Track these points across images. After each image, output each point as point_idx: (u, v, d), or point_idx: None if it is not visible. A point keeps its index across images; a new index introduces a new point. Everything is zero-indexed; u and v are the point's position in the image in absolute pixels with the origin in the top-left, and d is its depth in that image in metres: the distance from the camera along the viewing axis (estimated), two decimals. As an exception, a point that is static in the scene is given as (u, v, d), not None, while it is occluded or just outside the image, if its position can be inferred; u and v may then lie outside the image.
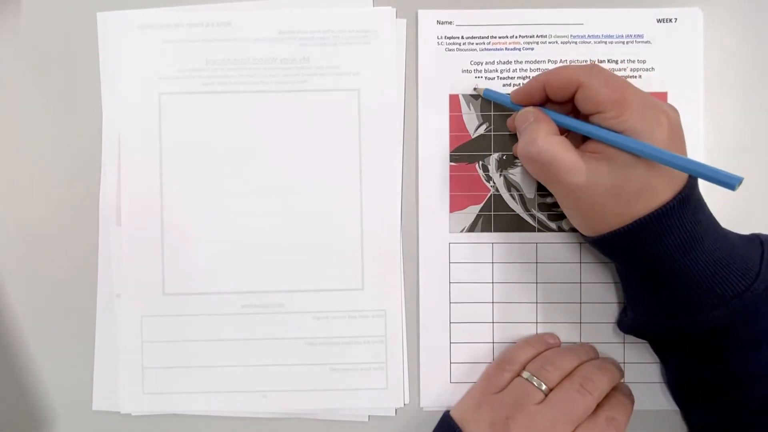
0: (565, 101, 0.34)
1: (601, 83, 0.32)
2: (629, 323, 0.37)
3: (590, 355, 0.37)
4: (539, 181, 0.36)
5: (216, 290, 0.40)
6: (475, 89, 0.39)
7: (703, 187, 0.39)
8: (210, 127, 0.40)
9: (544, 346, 0.38)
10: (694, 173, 0.30)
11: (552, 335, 0.39)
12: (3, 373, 0.40)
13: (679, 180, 0.32)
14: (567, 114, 0.35)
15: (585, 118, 0.33)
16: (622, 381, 0.38)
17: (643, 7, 0.39)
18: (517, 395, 0.35)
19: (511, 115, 0.38)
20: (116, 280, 0.40)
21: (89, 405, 0.40)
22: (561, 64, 0.38)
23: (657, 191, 0.31)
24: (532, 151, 0.33)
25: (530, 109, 0.35)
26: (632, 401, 0.36)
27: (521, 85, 0.37)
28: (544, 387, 0.34)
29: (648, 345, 0.38)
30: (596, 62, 0.39)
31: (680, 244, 0.31)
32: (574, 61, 0.39)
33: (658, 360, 0.39)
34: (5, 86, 0.40)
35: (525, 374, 0.35)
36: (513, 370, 0.36)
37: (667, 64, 0.39)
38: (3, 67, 0.40)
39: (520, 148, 0.35)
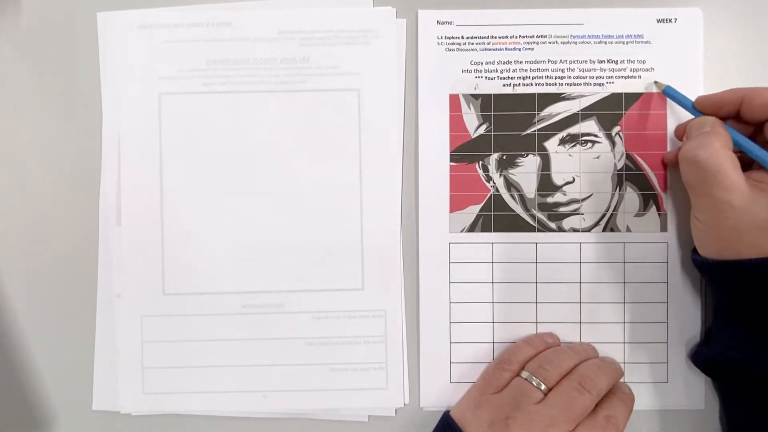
0: (754, 123, 0.34)
1: None
2: (715, 357, 0.36)
3: (589, 354, 0.37)
4: (688, 187, 0.34)
5: (216, 290, 0.40)
6: (656, 83, 0.39)
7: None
8: (210, 127, 0.40)
9: (544, 345, 0.38)
10: None
11: (551, 335, 0.39)
12: (3, 373, 0.40)
13: None
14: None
15: (765, 144, 0.33)
16: (621, 380, 0.38)
17: (643, 7, 0.39)
18: (516, 395, 0.35)
19: (687, 121, 0.37)
20: (116, 280, 0.40)
21: (89, 405, 0.40)
22: (760, 87, 0.34)
23: None
24: (700, 154, 0.32)
25: (712, 118, 0.35)
26: (632, 400, 0.36)
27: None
28: (543, 386, 0.34)
29: (648, 345, 0.39)
30: (596, 62, 0.39)
31: None
32: (573, 62, 0.39)
33: (658, 360, 0.39)
34: (5, 86, 0.40)
35: (524, 374, 0.35)
36: (512, 370, 0.36)
37: (667, 64, 0.39)
38: (3, 67, 0.40)
39: (686, 148, 0.33)
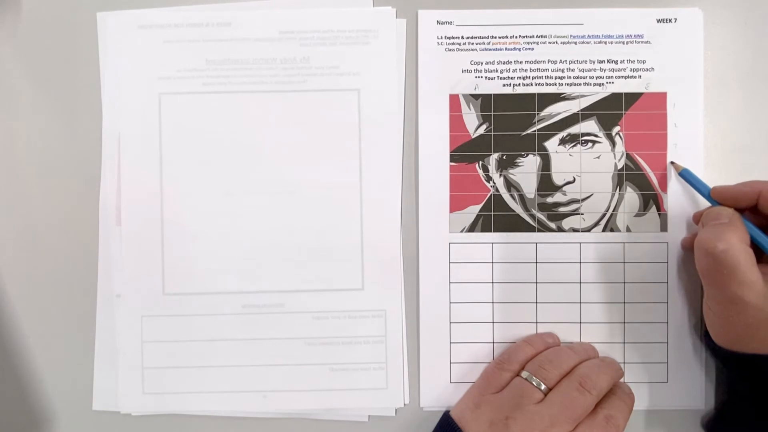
0: None
1: None
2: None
3: (589, 354, 0.38)
4: (701, 275, 0.34)
5: (216, 290, 0.40)
6: (672, 163, 0.39)
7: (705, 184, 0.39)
8: (210, 127, 0.40)
9: (543, 345, 0.38)
10: None
11: (551, 335, 0.39)
12: (3, 373, 0.40)
13: None
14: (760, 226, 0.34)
15: None
16: (621, 380, 0.38)
17: (643, 7, 0.39)
18: (516, 395, 0.35)
19: (703, 210, 0.37)
20: (116, 280, 0.40)
21: (89, 405, 0.40)
22: None
23: None
24: (717, 246, 0.32)
25: (729, 210, 0.34)
26: (632, 400, 0.36)
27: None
28: (543, 386, 0.34)
29: (648, 345, 0.39)
30: (596, 62, 0.39)
31: None
32: (573, 62, 0.39)
33: (658, 360, 0.39)
34: (5, 86, 0.40)
35: (524, 374, 0.35)
36: (512, 370, 0.36)
37: (667, 64, 0.39)
38: (3, 67, 0.40)
39: (702, 238, 0.33)
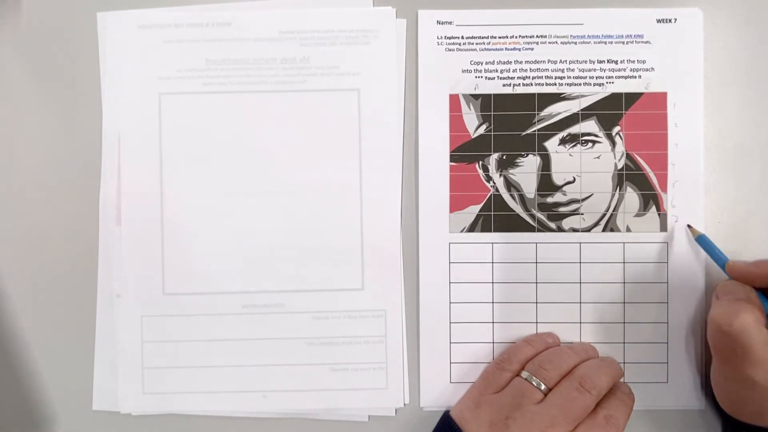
0: None
1: None
2: None
3: (589, 354, 0.37)
4: (712, 349, 0.35)
5: (216, 290, 0.40)
6: (689, 227, 0.38)
7: (703, 187, 0.39)
8: (210, 127, 0.40)
9: (544, 345, 0.38)
10: None
11: (551, 335, 0.39)
12: (3, 373, 0.40)
13: None
14: None
15: None
16: (621, 380, 0.38)
17: (643, 7, 0.39)
18: (516, 395, 0.35)
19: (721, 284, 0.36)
20: (116, 280, 0.40)
21: (89, 405, 0.40)
22: None
23: None
24: (733, 324, 0.32)
25: (746, 287, 0.34)
26: (632, 400, 0.36)
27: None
28: (543, 386, 0.34)
29: (648, 345, 0.39)
30: (596, 62, 0.39)
31: None
32: (573, 62, 0.39)
33: (658, 360, 0.39)
34: (5, 86, 0.40)
35: (524, 374, 0.35)
36: (512, 370, 0.36)
37: (667, 64, 0.39)
38: (3, 67, 0.40)
39: (717, 314, 0.33)
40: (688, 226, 0.38)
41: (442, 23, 0.40)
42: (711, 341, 0.34)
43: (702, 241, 0.37)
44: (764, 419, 0.32)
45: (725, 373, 0.34)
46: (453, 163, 0.40)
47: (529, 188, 0.39)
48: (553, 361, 0.36)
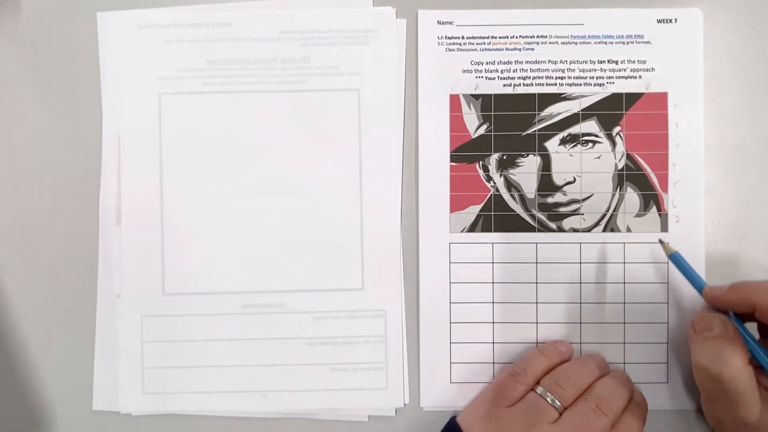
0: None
1: None
2: None
3: (602, 369, 0.36)
4: (701, 390, 0.34)
5: (216, 290, 0.40)
6: (660, 242, 0.37)
7: (703, 187, 0.39)
8: (210, 127, 0.40)
9: (558, 356, 0.37)
10: None
11: (564, 343, 0.38)
12: (3, 373, 0.40)
13: None
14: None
15: None
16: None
17: (643, 7, 0.39)
18: (530, 412, 0.33)
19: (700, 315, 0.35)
20: (116, 280, 0.40)
21: (89, 405, 0.40)
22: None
23: None
24: (723, 374, 0.31)
25: (723, 319, 0.33)
26: (645, 410, 0.36)
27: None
28: (558, 404, 0.33)
29: (648, 345, 0.39)
30: (596, 62, 0.39)
31: None
32: (574, 62, 0.39)
33: (658, 360, 0.39)
34: (5, 86, 0.40)
35: (539, 389, 0.34)
36: (527, 383, 0.35)
37: (667, 64, 0.39)
38: (3, 67, 0.40)
39: (703, 360, 0.32)
40: (660, 241, 0.37)
41: (443, 23, 0.40)
42: (701, 384, 0.34)
43: (675, 259, 0.36)
44: None
45: (715, 411, 0.34)
46: (453, 163, 0.40)
47: (530, 188, 0.39)
48: (570, 378, 0.35)
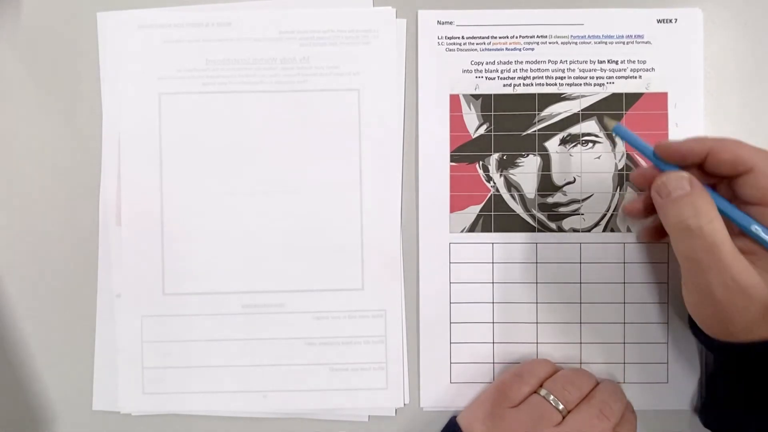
0: (718, 176, 0.31)
1: None
2: (722, 420, 0.35)
3: (595, 378, 0.37)
4: (686, 260, 0.31)
5: (216, 290, 0.40)
6: (600, 121, 0.37)
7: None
8: (210, 127, 0.40)
9: (553, 366, 0.37)
10: None
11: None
12: (3, 373, 0.40)
13: None
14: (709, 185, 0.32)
15: (741, 203, 0.31)
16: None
17: (643, 7, 0.39)
18: (534, 415, 0.33)
19: (641, 170, 0.35)
20: (116, 280, 0.40)
21: (89, 405, 0.40)
22: (729, 137, 0.31)
23: None
24: (696, 224, 0.29)
25: (686, 176, 0.31)
26: (636, 418, 0.36)
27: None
28: (561, 407, 0.33)
29: (648, 345, 0.39)
30: (596, 62, 0.39)
31: None
32: (574, 62, 0.39)
33: (658, 360, 0.39)
34: (5, 86, 0.40)
35: (542, 391, 0.34)
36: (531, 384, 0.35)
37: (667, 64, 0.39)
38: (3, 67, 0.40)
39: (678, 216, 0.30)
40: (599, 120, 0.36)
41: (443, 23, 0.40)
42: (679, 251, 0.31)
43: (619, 131, 0.34)
44: (753, 327, 0.29)
45: (705, 284, 0.30)
46: (453, 163, 0.40)
47: (530, 188, 0.39)
48: (575, 382, 0.35)
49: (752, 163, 0.29)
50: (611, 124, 0.35)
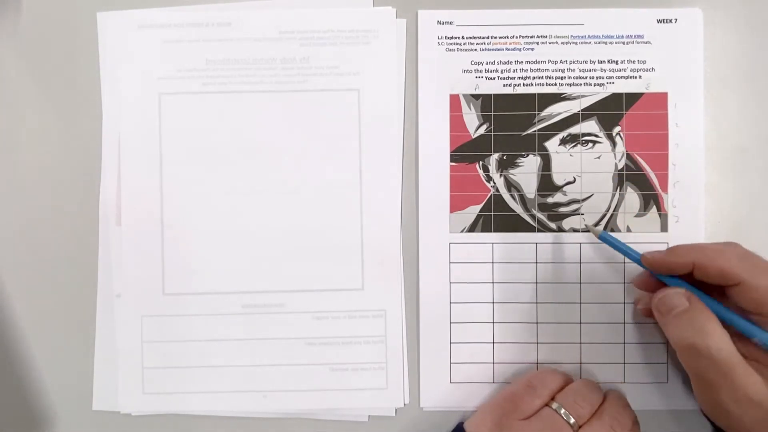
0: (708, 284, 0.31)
1: (766, 286, 0.28)
2: None
3: (601, 389, 0.37)
4: (690, 369, 0.32)
5: (216, 290, 0.40)
6: (587, 227, 0.38)
7: (703, 187, 0.39)
8: (210, 127, 0.40)
9: (565, 377, 0.37)
10: None
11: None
12: (3, 373, 0.40)
13: None
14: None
15: (740, 310, 0.30)
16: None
17: (643, 7, 0.39)
18: (545, 428, 0.33)
19: (640, 274, 0.35)
20: (116, 280, 0.40)
21: (89, 405, 0.40)
22: (709, 244, 0.32)
23: None
24: (703, 343, 0.29)
25: (683, 292, 0.32)
26: (639, 429, 0.36)
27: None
28: (572, 421, 0.33)
29: (648, 345, 0.39)
30: (596, 62, 0.39)
31: None
32: (574, 62, 0.39)
33: (658, 360, 0.39)
34: (5, 86, 0.40)
35: (554, 405, 0.34)
36: (544, 397, 0.34)
37: (667, 64, 0.39)
38: (3, 67, 0.40)
39: (682, 335, 0.31)
40: (586, 226, 0.38)
41: (443, 23, 0.40)
42: (689, 368, 0.32)
43: (606, 238, 0.36)
44: (754, 428, 0.30)
45: (713, 397, 0.31)
46: (453, 163, 0.40)
47: (530, 188, 0.39)
48: (587, 396, 0.34)
49: (739, 278, 0.29)
50: (597, 231, 0.37)
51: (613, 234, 0.39)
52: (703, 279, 0.31)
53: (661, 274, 0.33)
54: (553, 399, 0.34)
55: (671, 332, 0.32)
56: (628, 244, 0.36)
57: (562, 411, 0.33)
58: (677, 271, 0.32)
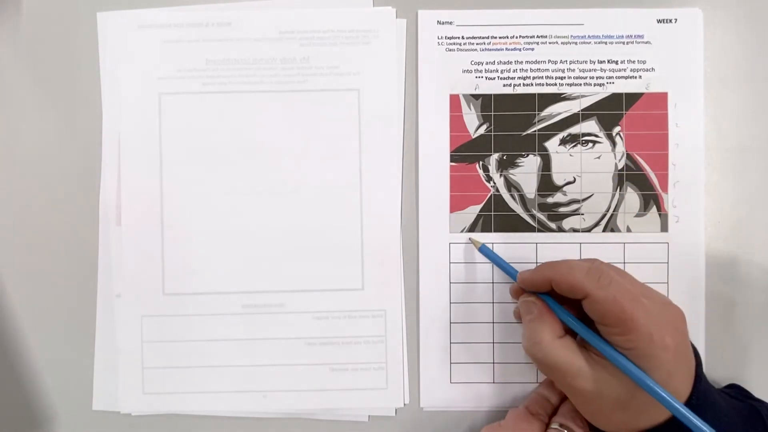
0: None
1: (609, 299, 0.30)
2: None
3: None
4: (539, 370, 0.35)
5: (216, 290, 0.40)
6: (470, 240, 0.39)
7: (703, 187, 0.39)
8: (210, 127, 0.40)
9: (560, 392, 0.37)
10: (678, 415, 0.29)
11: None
12: (3, 373, 0.40)
13: (686, 394, 0.30)
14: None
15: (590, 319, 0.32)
16: None
17: (643, 7, 0.39)
18: None
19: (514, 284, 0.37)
20: (116, 280, 0.40)
21: (89, 405, 0.40)
22: (567, 260, 0.34)
23: (663, 408, 0.30)
24: (537, 353, 0.32)
25: (533, 300, 0.34)
26: None
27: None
28: None
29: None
30: (596, 62, 0.39)
31: None
32: (574, 62, 0.39)
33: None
34: (5, 86, 0.40)
35: (554, 425, 0.34)
36: (542, 417, 0.35)
37: (667, 64, 0.39)
38: (3, 67, 0.40)
39: (525, 345, 0.34)
40: (470, 239, 0.39)
41: (443, 23, 0.40)
42: (538, 368, 0.34)
43: (485, 251, 0.38)
44: (615, 425, 0.32)
45: (568, 393, 0.33)
46: (453, 163, 0.40)
47: (530, 188, 0.39)
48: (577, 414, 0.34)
49: (585, 291, 0.31)
50: (477, 244, 0.38)
51: (614, 233, 0.39)
52: (561, 293, 0.33)
53: (530, 290, 0.35)
54: (552, 419, 0.35)
55: (524, 339, 0.34)
56: (505, 260, 0.38)
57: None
58: (541, 287, 0.34)
